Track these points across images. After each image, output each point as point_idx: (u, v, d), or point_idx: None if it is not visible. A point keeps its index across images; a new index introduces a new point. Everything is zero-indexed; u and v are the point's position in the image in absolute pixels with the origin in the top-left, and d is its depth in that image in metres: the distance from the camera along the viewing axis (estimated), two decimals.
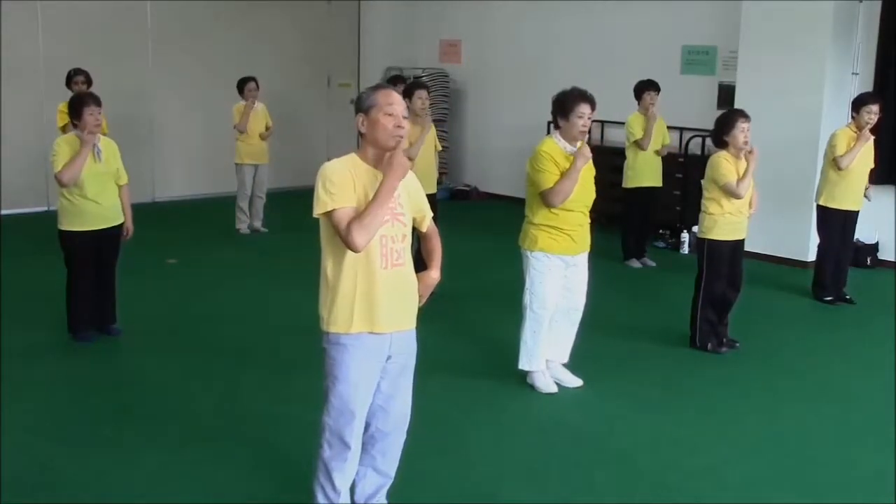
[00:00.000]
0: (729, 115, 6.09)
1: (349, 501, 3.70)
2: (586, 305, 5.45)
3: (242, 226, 9.87)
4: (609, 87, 9.68)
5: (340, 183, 3.33)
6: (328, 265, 3.45)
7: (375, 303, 3.41)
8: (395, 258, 3.45)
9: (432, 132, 7.53)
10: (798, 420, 5.14)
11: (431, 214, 3.76)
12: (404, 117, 3.43)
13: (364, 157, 3.45)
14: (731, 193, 5.94)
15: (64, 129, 8.32)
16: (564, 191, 5.04)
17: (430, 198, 7.33)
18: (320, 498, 3.62)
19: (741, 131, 5.95)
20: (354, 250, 3.30)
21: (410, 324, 3.59)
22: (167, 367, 5.73)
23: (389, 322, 3.47)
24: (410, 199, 3.57)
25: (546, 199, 5.10)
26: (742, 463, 4.56)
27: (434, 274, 3.68)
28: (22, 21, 10.39)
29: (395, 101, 3.43)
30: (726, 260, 6.11)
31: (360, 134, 3.46)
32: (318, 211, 3.36)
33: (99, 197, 5.92)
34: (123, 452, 4.50)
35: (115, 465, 4.37)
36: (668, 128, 8.96)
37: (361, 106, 3.44)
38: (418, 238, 3.77)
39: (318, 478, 3.62)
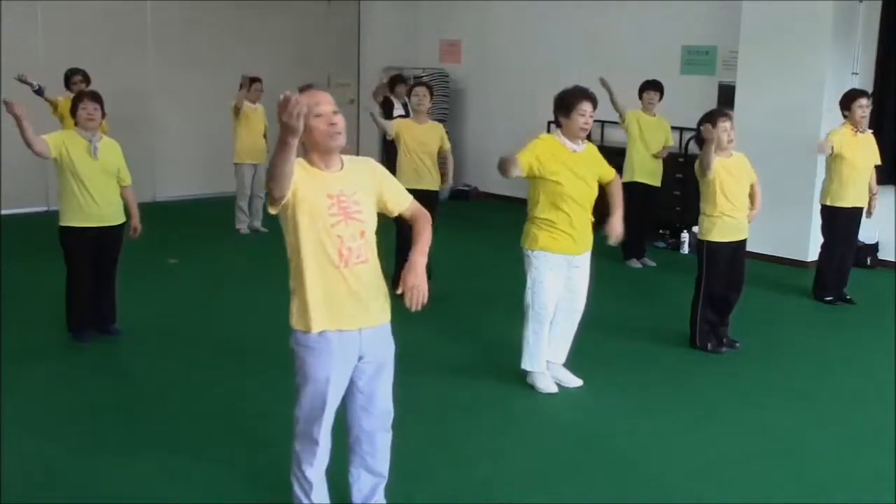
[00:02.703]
0: (710, 116, 6.03)
1: (325, 492, 3.71)
2: (586, 305, 5.44)
3: (242, 226, 9.88)
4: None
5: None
6: (291, 266, 3.44)
7: (335, 302, 3.37)
8: (355, 256, 3.39)
9: (437, 130, 7.52)
10: (798, 420, 5.14)
11: (410, 198, 3.62)
12: (335, 112, 3.33)
13: (310, 161, 3.39)
14: (704, 164, 5.90)
15: (57, 109, 8.46)
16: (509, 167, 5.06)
17: (432, 195, 7.38)
18: (296, 487, 3.67)
19: (723, 131, 5.91)
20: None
21: (379, 319, 3.53)
22: (167, 367, 5.73)
23: (354, 319, 3.43)
24: (375, 193, 3.48)
25: (504, 162, 5.09)
26: (742, 463, 4.56)
27: (416, 258, 3.39)
28: (22, 21, 10.39)
29: (321, 100, 3.33)
30: (726, 261, 6.11)
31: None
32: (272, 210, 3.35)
33: (97, 193, 5.91)
34: (123, 452, 4.50)
35: (115, 465, 4.37)
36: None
37: None
38: (399, 236, 3.68)
39: (293, 469, 3.68)
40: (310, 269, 3.36)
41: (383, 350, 3.59)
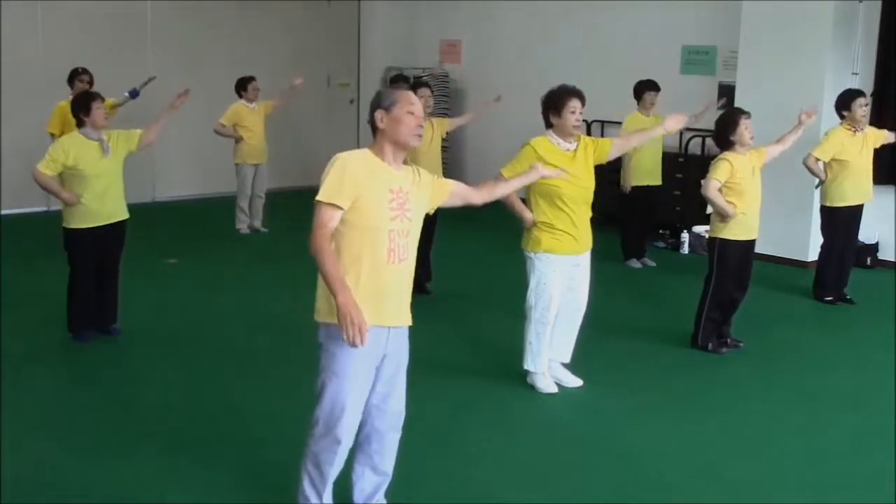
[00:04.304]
0: (731, 115, 6.10)
1: (331, 492, 3.71)
2: (586, 305, 5.44)
3: (242, 226, 9.88)
4: (609, 87, 9.70)
5: (338, 178, 3.38)
6: (337, 259, 3.44)
7: (378, 298, 3.43)
8: (401, 253, 3.48)
9: (440, 125, 7.52)
10: (798, 420, 5.14)
11: (451, 183, 3.90)
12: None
13: (379, 153, 3.51)
14: (704, 191, 5.95)
15: (54, 136, 8.33)
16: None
17: None
18: (306, 486, 3.66)
19: (746, 128, 5.98)
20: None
21: (406, 320, 3.62)
22: (167, 368, 5.73)
23: (390, 317, 3.49)
24: (425, 195, 3.63)
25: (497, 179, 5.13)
26: (742, 463, 4.56)
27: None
28: (22, 21, 10.39)
29: (416, 101, 3.55)
30: (737, 261, 6.09)
31: (377, 130, 3.52)
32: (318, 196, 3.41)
33: (104, 192, 5.91)
34: (123, 452, 4.50)
35: (115, 465, 4.37)
36: None
37: (382, 103, 3.52)
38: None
39: (305, 466, 3.67)
40: (360, 263, 3.41)
41: (403, 352, 3.66)
